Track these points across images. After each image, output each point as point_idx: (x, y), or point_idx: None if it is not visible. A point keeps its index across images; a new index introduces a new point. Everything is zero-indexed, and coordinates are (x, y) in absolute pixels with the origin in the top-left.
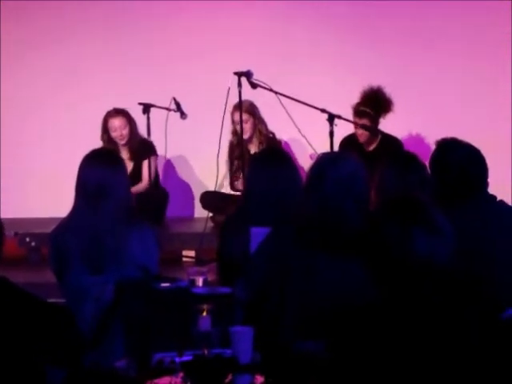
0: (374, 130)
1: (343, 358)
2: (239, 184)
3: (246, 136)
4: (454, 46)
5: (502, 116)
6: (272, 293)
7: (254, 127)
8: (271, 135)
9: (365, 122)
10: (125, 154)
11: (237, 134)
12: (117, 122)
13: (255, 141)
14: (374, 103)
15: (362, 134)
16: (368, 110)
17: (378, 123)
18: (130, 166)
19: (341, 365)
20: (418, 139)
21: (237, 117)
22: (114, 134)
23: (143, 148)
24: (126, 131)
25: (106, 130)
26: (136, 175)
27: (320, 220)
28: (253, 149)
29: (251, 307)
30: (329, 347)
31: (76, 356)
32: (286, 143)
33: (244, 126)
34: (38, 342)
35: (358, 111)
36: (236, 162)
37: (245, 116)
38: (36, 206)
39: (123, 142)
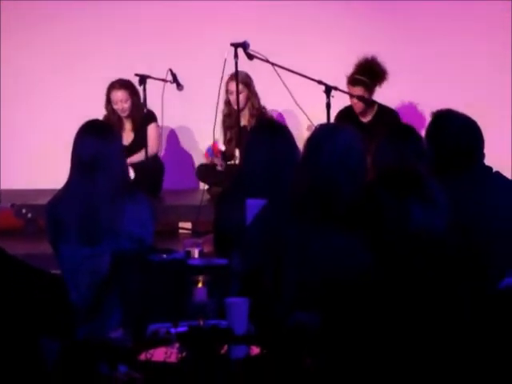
0: (368, 99)
1: (337, 329)
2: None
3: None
4: (451, 19)
5: (500, 87)
6: (267, 264)
7: (247, 99)
8: (263, 110)
9: (359, 90)
10: (127, 126)
11: (230, 105)
12: (119, 95)
13: (246, 113)
14: (369, 72)
15: (357, 104)
16: (362, 78)
17: (373, 92)
18: (131, 137)
19: (335, 336)
20: (413, 109)
21: (232, 87)
22: (115, 107)
23: (145, 118)
24: (127, 105)
25: (109, 100)
26: (137, 146)
27: (314, 192)
28: (243, 121)
29: (247, 279)
30: (323, 319)
31: (69, 326)
32: (280, 115)
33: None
34: (32, 312)
35: (351, 80)
36: (228, 133)
37: (239, 86)
38: (32, 177)
39: (124, 115)
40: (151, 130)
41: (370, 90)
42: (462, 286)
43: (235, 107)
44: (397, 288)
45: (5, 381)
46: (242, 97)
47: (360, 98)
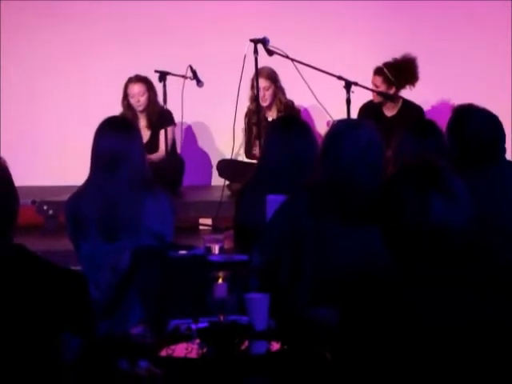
0: (386, 94)
1: (356, 325)
2: (256, 151)
3: (265, 103)
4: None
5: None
6: (287, 260)
7: (275, 95)
8: (290, 103)
9: (377, 79)
10: (142, 122)
11: (256, 101)
12: (136, 89)
13: (274, 109)
14: (397, 68)
15: (374, 93)
16: (384, 69)
17: (396, 88)
18: (147, 134)
19: (354, 332)
20: (439, 105)
21: (260, 83)
22: (131, 100)
23: (161, 117)
24: (143, 98)
25: (125, 95)
26: (153, 144)
27: (335, 187)
28: (271, 117)
29: (266, 274)
30: (342, 314)
31: (90, 322)
32: (305, 111)
33: (264, 92)
34: (53, 308)
35: (374, 69)
36: (254, 129)
37: (266, 83)
38: (53, 174)
39: (140, 109)
40: (167, 133)
41: (389, 84)
42: (481, 278)
43: (263, 103)
44: (416, 284)
45: (25, 376)
46: (269, 93)
47: (380, 93)
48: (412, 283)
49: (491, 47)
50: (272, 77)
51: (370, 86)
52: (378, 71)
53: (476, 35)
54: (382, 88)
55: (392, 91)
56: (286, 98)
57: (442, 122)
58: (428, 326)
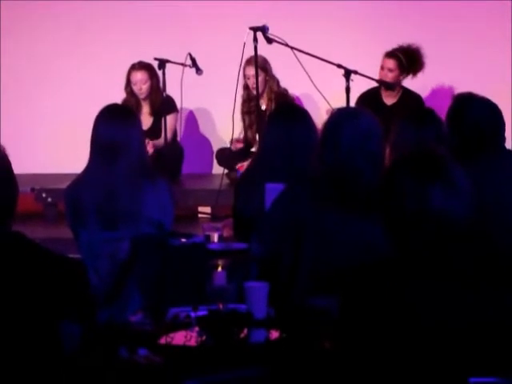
0: (392, 83)
1: (354, 314)
2: (237, 143)
3: (255, 91)
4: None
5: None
6: (286, 249)
7: (265, 83)
8: (284, 92)
9: (391, 62)
10: (145, 109)
11: (248, 89)
12: (138, 76)
13: (265, 97)
14: (407, 54)
15: (386, 77)
16: (399, 54)
17: (403, 76)
18: (150, 121)
19: (352, 321)
20: (436, 96)
21: (248, 71)
22: (134, 88)
23: (164, 104)
24: (145, 86)
25: (128, 82)
26: (156, 131)
27: (334, 176)
28: (263, 105)
29: (266, 263)
30: (341, 303)
31: (90, 310)
32: (298, 99)
33: (254, 80)
34: (52, 296)
35: (387, 52)
36: (247, 118)
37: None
38: (52, 161)
39: (142, 96)
40: (170, 119)
41: (402, 69)
42: (479, 271)
43: (253, 92)
44: (415, 273)
45: (25, 365)
46: (259, 81)
47: (384, 83)
48: (412, 272)
49: (491, 39)
50: (262, 65)
51: (370, 74)
52: (392, 54)
53: (476, 27)
54: (396, 72)
55: (402, 77)
56: (278, 87)
57: (442, 107)
58: (426, 316)
